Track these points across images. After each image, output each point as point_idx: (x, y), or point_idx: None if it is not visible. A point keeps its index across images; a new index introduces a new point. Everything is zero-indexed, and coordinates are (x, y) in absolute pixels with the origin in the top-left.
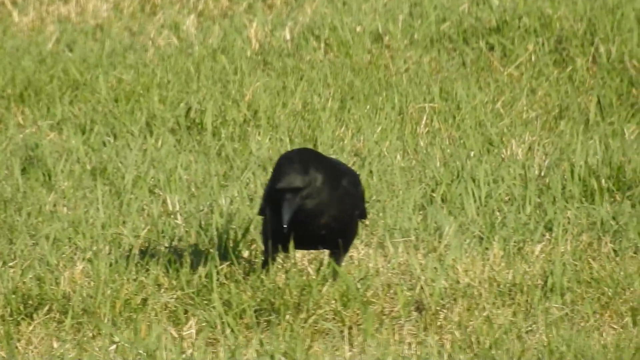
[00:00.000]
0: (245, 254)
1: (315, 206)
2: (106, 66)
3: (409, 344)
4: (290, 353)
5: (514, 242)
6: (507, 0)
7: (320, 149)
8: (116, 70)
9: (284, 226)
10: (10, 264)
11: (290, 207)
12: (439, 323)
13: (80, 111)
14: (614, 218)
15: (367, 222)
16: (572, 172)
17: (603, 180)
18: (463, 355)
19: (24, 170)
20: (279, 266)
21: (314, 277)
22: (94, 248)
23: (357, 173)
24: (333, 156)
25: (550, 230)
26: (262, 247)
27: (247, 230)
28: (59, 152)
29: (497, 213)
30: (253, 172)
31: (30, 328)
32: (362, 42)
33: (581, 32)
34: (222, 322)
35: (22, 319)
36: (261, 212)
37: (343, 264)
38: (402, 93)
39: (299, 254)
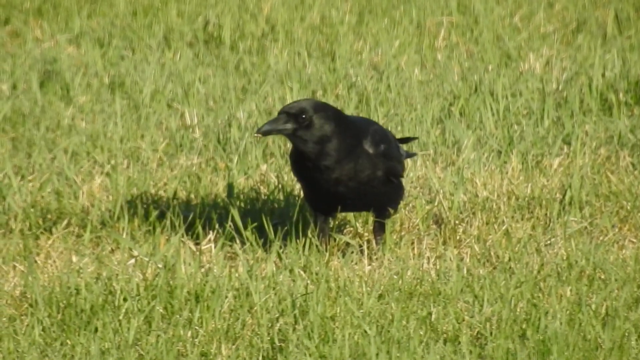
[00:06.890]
0: (264, 167)
1: (317, 154)
2: None
3: (428, 258)
4: (309, 267)
5: (532, 155)
6: None
7: (337, 63)
8: None
9: (255, 135)
10: (29, 178)
11: (274, 124)
12: (457, 237)
13: (98, 25)
14: (632, 131)
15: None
16: (589, 86)
17: (621, 94)
18: (482, 268)
19: (42, 85)
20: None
21: None
22: (112, 162)
23: (388, 131)
24: (351, 70)
25: (568, 144)
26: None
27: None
28: (77, 66)
29: (515, 127)
30: (271, 86)
31: (49, 242)
32: None
33: None
34: (241, 236)
35: (41, 233)
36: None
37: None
38: (420, 7)
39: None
